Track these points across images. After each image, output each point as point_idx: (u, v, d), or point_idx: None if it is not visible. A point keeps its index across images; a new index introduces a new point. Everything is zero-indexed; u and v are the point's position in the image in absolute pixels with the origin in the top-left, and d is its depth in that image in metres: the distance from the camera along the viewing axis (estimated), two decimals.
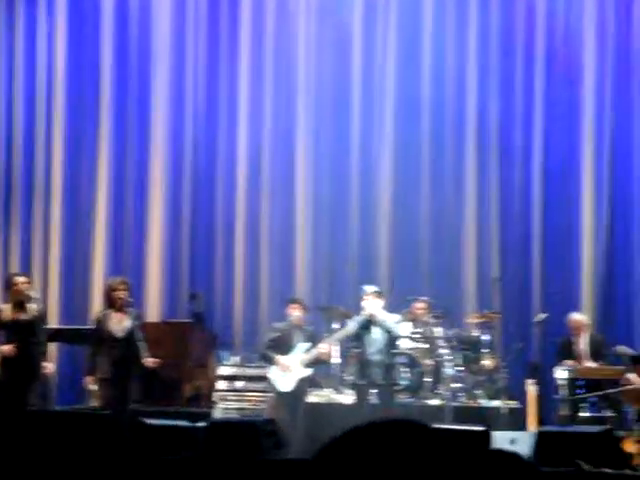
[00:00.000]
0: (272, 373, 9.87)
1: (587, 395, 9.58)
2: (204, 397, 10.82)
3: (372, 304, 9.48)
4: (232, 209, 12.33)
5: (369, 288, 9.64)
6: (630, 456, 8.18)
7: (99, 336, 8.98)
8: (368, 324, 9.48)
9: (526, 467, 2.01)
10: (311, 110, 12.32)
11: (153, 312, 12.00)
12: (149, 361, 8.88)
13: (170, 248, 12.34)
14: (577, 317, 10.45)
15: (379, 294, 9.59)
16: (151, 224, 12.38)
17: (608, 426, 8.29)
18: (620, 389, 8.95)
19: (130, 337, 8.90)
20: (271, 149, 12.36)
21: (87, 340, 9.42)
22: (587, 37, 11.97)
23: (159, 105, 12.48)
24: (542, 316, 10.90)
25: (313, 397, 10.25)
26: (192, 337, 10.23)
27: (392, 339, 9.55)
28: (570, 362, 9.96)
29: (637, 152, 11.78)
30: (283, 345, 9.86)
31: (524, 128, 12.03)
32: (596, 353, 10.19)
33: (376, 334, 9.47)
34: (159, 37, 12.52)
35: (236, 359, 11.07)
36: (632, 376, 8.77)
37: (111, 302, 9.05)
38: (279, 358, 9.78)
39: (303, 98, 12.32)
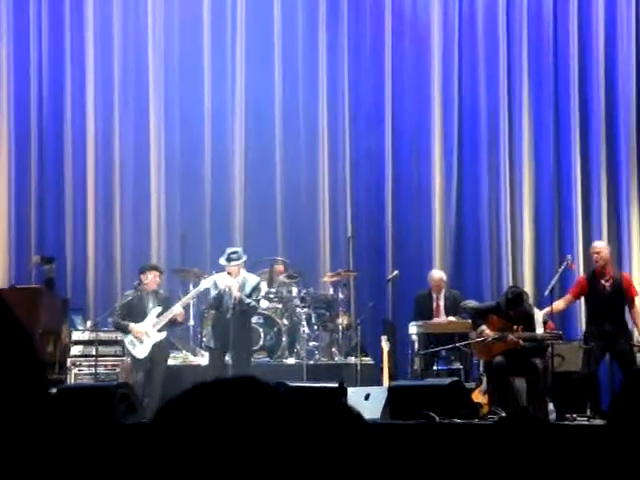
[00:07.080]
0: (127, 340, 9.73)
1: (436, 349, 9.82)
2: (57, 364, 10.57)
3: (228, 279, 9.40)
4: (82, 171, 12.02)
5: (226, 261, 9.49)
6: (479, 406, 8.46)
7: None
8: (224, 295, 9.41)
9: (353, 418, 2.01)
10: (162, 74, 12.12)
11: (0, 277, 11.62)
12: None
13: (17, 211, 11.95)
14: (437, 274, 10.71)
15: (237, 264, 9.45)
16: None
17: (456, 378, 8.55)
18: (469, 342, 9.21)
19: None
20: (121, 112, 12.09)
21: None
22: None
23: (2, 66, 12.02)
24: (394, 273, 11.10)
25: (169, 359, 10.16)
26: (42, 303, 9.93)
27: (249, 310, 9.52)
28: (423, 321, 10.21)
29: (483, 112, 12.07)
30: (136, 311, 9.72)
31: (374, 91, 12.18)
32: (452, 309, 10.45)
33: (232, 298, 9.41)
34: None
35: (89, 324, 10.85)
36: (484, 327, 9.03)
37: None
38: (133, 326, 9.64)
39: (153, 63, 12.09)
